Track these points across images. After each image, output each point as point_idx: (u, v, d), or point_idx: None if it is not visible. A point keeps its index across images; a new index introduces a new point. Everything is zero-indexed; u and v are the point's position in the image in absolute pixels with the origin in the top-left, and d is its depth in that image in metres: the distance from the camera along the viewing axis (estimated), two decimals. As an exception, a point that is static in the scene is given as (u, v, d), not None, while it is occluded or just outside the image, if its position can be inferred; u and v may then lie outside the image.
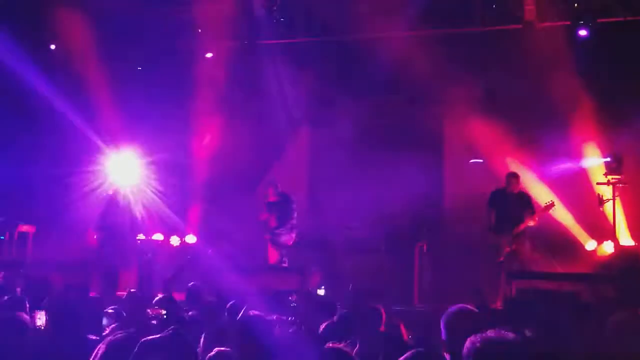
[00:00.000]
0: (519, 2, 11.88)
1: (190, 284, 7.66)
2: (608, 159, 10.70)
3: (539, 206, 10.24)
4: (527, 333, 4.89)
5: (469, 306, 3.59)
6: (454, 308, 3.55)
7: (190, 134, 13.24)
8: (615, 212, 10.51)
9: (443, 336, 3.48)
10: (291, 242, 11.16)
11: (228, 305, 5.95)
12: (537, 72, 11.08)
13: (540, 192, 11.06)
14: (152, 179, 12.76)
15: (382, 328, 5.53)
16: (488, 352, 2.98)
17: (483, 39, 12.25)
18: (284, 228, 11.06)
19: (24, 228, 11.38)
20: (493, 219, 10.26)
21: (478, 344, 2.97)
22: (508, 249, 9.96)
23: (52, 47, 12.99)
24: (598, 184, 10.84)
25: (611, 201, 10.41)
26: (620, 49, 11.16)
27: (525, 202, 10.21)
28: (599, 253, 10.90)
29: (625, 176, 10.66)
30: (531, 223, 10.00)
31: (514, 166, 11.21)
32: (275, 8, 12.65)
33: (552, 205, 10.10)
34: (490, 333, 3.24)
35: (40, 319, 5.46)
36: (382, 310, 5.74)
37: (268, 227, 11.18)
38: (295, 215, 11.19)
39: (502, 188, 10.36)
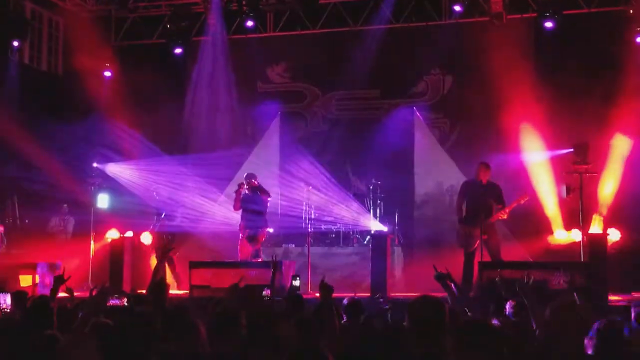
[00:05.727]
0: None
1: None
2: (572, 150, 10.86)
3: (511, 198, 10.24)
4: (495, 321, 4.98)
5: (432, 295, 3.63)
6: (417, 297, 3.59)
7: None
8: (583, 201, 10.67)
9: (407, 324, 3.52)
10: (263, 238, 11.01)
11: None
12: (502, 64, 11.15)
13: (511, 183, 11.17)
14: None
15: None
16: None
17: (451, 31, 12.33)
18: (257, 221, 10.86)
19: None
20: (464, 208, 10.29)
21: None
22: (479, 239, 9.98)
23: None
24: (566, 173, 10.99)
25: (579, 190, 10.57)
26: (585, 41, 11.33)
27: (495, 192, 10.23)
28: (566, 241, 11.07)
29: (592, 166, 10.81)
30: (502, 216, 10.04)
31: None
32: (244, 3, 12.60)
33: (525, 197, 10.17)
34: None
35: (5, 301, 5.34)
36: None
37: (242, 223, 10.96)
38: (267, 205, 10.99)
39: (473, 179, 10.40)
